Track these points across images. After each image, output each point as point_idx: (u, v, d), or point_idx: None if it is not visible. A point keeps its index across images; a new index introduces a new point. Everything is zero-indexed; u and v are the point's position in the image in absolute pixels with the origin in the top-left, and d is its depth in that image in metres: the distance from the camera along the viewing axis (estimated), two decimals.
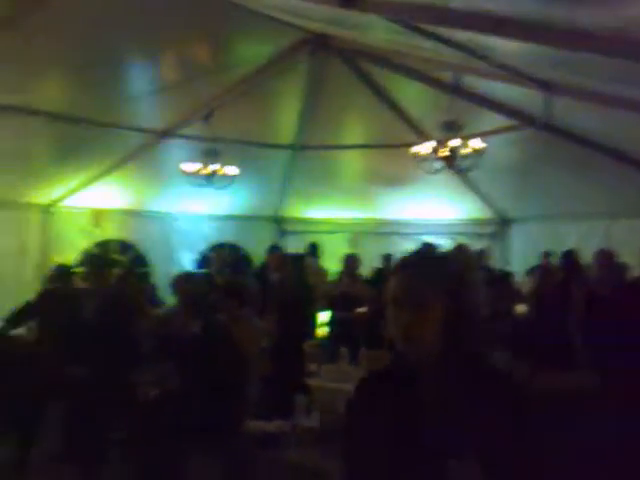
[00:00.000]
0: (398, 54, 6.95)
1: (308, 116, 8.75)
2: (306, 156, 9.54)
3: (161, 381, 4.09)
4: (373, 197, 10.37)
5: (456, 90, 6.59)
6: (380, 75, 7.91)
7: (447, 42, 4.63)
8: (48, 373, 4.32)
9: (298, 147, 9.48)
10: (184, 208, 10.22)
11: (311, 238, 9.64)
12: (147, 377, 4.23)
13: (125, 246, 10.07)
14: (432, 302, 1.48)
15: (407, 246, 8.82)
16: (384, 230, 10.46)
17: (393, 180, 9.65)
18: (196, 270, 9.34)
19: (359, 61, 7.79)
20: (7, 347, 5.09)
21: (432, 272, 1.51)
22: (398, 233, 10.36)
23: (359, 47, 7.27)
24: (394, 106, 8.33)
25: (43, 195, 9.48)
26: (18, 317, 5.53)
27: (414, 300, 1.49)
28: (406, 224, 10.49)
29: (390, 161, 9.20)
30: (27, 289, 9.09)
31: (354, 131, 9.73)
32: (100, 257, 7.68)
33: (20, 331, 5.67)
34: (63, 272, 5.70)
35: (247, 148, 8.98)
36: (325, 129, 8.97)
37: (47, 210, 9.70)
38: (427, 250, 1.73)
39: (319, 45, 7.43)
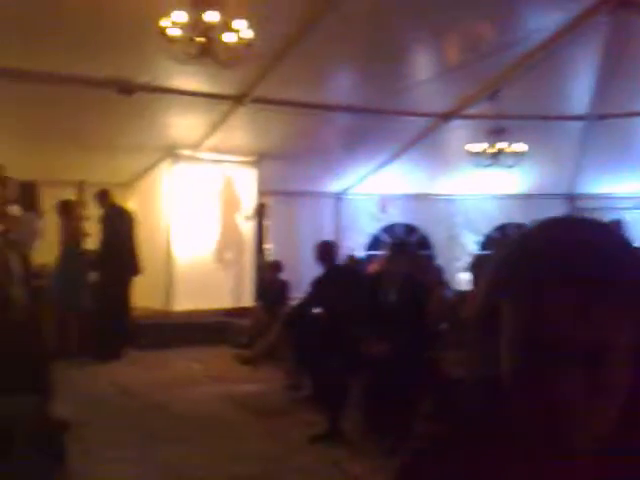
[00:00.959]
0: None
1: (605, 83, 7.94)
2: (604, 126, 8.69)
3: (464, 361, 4.08)
4: None
5: None
6: None
7: None
8: (351, 350, 4.57)
9: (594, 117, 8.69)
10: (468, 189, 10.12)
11: (610, 215, 8.80)
12: (449, 356, 4.27)
13: (410, 229, 10.36)
14: (620, 343, 0.68)
15: None
16: None
17: None
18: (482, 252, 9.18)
19: None
20: (311, 327, 5.49)
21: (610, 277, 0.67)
22: None
23: None
24: None
25: (336, 184, 10.21)
26: (315, 296, 5.81)
27: (592, 338, 0.67)
28: None
29: None
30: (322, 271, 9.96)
31: None
32: (397, 241, 7.96)
33: (317, 311, 6.07)
34: (326, 250, 5.89)
35: (536, 123, 8.50)
36: (626, 95, 8.07)
37: (339, 197, 10.43)
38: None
39: (619, 4, 6.67)
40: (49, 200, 7.72)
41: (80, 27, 5.65)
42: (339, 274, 5.57)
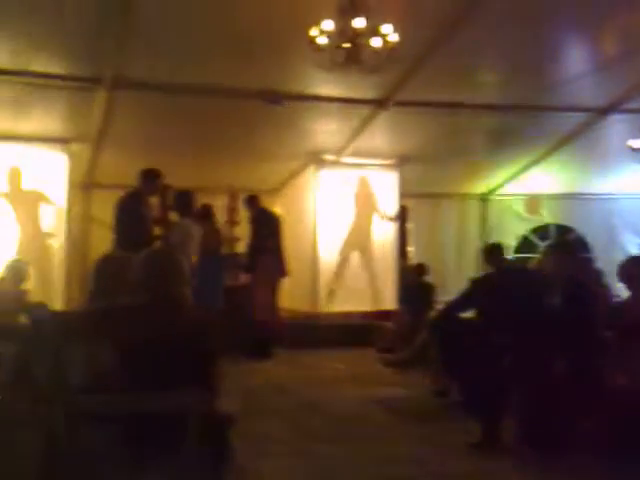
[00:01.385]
0: None
1: None
2: None
3: (630, 370, 3.82)
4: None
5: None
6: None
7: None
8: (509, 357, 4.41)
9: None
10: (630, 188, 9.45)
11: None
12: (614, 364, 4.00)
13: (564, 230, 9.88)
14: None
15: None
16: None
17: None
18: None
19: None
20: (461, 331, 5.33)
21: None
22: None
23: None
24: None
25: (480, 185, 9.94)
26: (463, 301, 5.65)
27: None
28: None
29: None
30: (467, 274, 9.73)
31: None
32: (557, 241, 7.64)
33: (468, 315, 5.90)
34: (494, 250, 5.70)
35: None
36: None
37: (484, 199, 10.14)
38: None
39: None
40: None
41: (233, 42, 5.96)
42: (503, 277, 5.37)
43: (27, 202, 7.80)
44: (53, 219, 7.91)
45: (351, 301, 8.83)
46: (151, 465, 2.56)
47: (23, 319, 5.46)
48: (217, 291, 7.38)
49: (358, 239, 8.97)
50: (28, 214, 7.78)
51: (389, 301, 8.91)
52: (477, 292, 5.33)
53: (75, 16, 5.48)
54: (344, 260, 8.90)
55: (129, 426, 2.55)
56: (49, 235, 7.91)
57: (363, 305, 8.88)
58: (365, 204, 9.02)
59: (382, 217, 9.06)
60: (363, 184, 9.01)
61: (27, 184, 7.77)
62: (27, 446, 3.69)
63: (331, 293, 8.80)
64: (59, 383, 2.86)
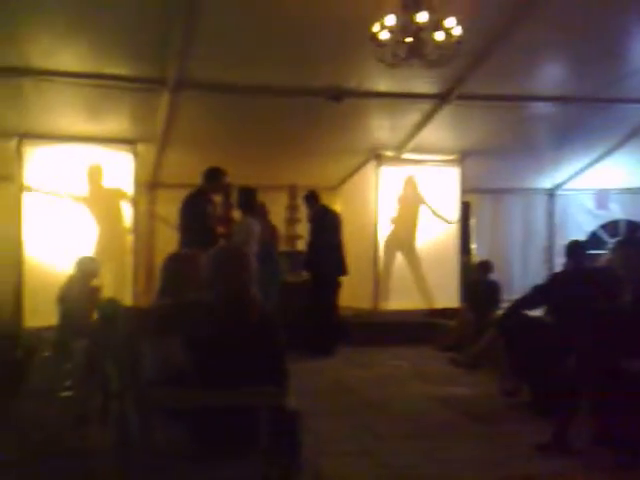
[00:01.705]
0: None
1: None
2: None
3: None
4: None
5: None
6: None
7: None
8: (581, 357, 4.27)
9: None
10: None
11: None
12: None
13: (633, 226, 9.51)
14: None
15: None
16: None
17: None
18: None
19: None
20: (532, 330, 5.22)
21: None
22: None
23: None
24: None
25: (546, 179, 9.68)
26: (531, 299, 5.56)
27: None
28: None
29: None
30: (533, 271, 9.54)
31: None
32: (627, 236, 7.38)
33: (537, 314, 5.77)
34: (575, 248, 5.56)
35: None
36: None
37: (551, 194, 9.88)
38: None
39: None
40: None
41: (295, 40, 5.99)
42: (578, 274, 5.22)
43: (107, 199, 7.93)
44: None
45: (412, 298, 8.76)
46: (223, 459, 2.60)
47: (95, 315, 5.63)
48: (272, 288, 7.43)
49: (401, 239, 8.87)
50: (108, 211, 7.92)
51: (452, 298, 8.78)
52: (551, 288, 5.22)
53: (140, 19, 5.62)
54: (389, 259, 8.81)
55: (201, 421, 2.59)
56: (128, 231, 8.04)
57: (426, 302, 8.80)
58: (410, 204, 8.89)
59: (434, 215, 8.91)
60: (408, 184, 8.89)
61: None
62: (99, 441, 3.81)
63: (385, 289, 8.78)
64: (131, 378, 2.93)
